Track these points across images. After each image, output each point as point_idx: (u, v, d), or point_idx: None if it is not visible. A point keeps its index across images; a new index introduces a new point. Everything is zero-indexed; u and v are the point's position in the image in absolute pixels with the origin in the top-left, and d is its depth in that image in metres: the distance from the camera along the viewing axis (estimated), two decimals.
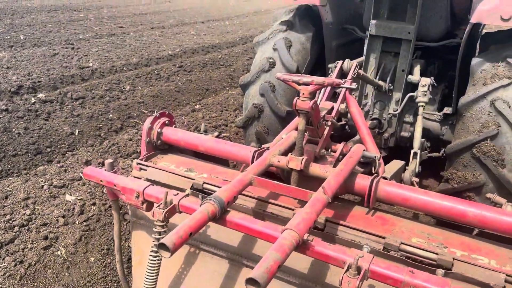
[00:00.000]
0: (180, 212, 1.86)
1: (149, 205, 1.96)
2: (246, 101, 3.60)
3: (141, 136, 2.38)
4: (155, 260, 2.02)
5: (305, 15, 3.61)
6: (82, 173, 2.30)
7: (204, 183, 2.14)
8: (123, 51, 9.09)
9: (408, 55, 3.15)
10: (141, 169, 2.40)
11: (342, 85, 2.24)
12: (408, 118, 3.32)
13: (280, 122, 3.42)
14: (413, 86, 3.14)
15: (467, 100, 2.74)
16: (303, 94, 1.83)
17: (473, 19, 2.78)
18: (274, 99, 3.42)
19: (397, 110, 3.27)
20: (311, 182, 1.93)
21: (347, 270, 1.51)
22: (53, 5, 16.07)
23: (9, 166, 4.24)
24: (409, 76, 3.19)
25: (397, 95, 3.28)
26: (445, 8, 3.30)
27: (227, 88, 7.28)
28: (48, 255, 2.84)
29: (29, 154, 4.48)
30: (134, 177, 2.34)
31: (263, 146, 2.35)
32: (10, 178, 3.94)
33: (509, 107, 2.58)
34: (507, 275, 1.59)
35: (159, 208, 1.83)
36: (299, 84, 1.85)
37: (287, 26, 3.58)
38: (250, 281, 1.29)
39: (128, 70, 7.78)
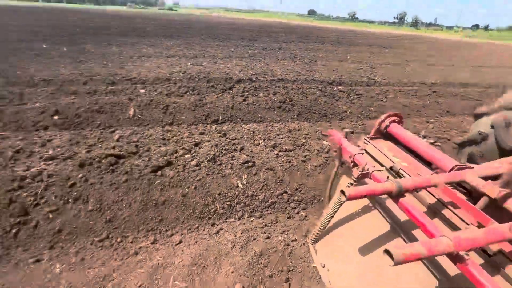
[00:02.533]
0: (370, 178, 1.46)
1: (355, 165, 1.63)
2: (474, 127, 2.44)
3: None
4: (340, 197, 1.73)
5: None
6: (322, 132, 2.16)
7: (401, 169, 1.60)
8: (400, 74, 7.84)
9: None
10: (365, 142, 2.01)
11: None
12: None
13: (499, 153, 2.18)
14: None
15: None
16: None
17: None
18: (503, 133, 2.17)
19: None
20: (501, 215, 1.14)
21: None
22: (339, 36, 15.17)
23: (306, 117, 4.44)
24: None
25: None
26: None
27: (466, 115, 5.23)
28: (302, 167, 2.87)
29: (320, 115, 4.55)
30: (358, 146, 2.00)
31: (466, 164, 1.55)
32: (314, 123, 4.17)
33: None
34: None
35: (357, 169, 1.49)
36: None
37: None
38: (387, 252, 0.88)
39: (393, 85, 6.68)
